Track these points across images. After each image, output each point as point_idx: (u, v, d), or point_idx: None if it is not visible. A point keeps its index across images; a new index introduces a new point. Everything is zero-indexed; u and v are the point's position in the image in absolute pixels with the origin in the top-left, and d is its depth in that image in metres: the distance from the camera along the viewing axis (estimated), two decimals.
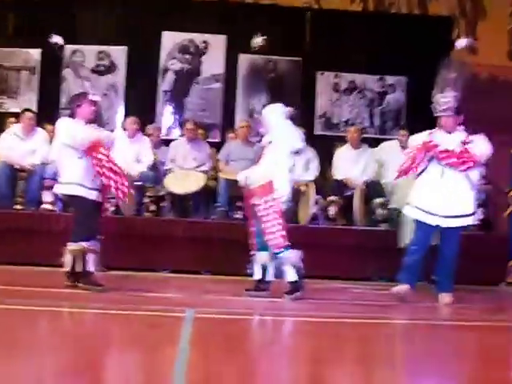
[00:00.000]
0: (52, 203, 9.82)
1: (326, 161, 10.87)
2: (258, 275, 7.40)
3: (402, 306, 7.31)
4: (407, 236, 8.39)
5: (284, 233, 7.17)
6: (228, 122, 12.18)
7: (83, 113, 7.26)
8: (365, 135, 11.53)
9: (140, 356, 4.45)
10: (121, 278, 8.63)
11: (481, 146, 7.40)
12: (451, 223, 7.41)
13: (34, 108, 11.43)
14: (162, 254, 9.46)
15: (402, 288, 7.44)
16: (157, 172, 10.36)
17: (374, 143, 11.16)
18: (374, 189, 10.15)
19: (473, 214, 7.52)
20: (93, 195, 7.17)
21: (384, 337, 5.71)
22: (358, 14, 13.17)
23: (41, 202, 9.78)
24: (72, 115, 7.32)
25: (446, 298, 7.46)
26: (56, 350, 4.48)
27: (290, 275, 7.23)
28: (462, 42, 7.42)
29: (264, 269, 7.38)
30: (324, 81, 12.63)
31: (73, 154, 7.13)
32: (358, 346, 5.27)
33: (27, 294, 6.78)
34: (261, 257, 7.37)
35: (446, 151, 7.35)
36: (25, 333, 5.05)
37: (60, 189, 7.48)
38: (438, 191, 7.37)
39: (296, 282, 7.24)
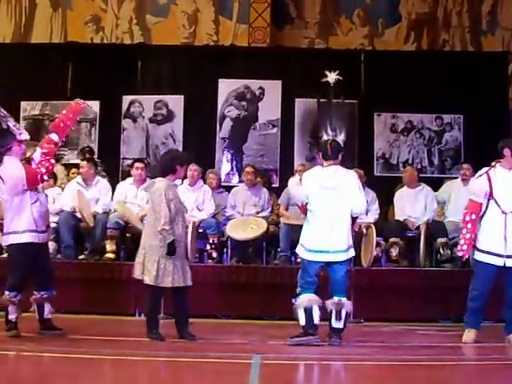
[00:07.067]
0: (115, 252, 9.87)
1: (386, 202, 10.79)
2: (302, 320, 7.16)
3: (469, 348, 7.20)
4: None
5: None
6: (286, 167, 12.17)
7: (15, 154, 7.28)
8: (424, 175, 11.50)
9: None
10: None
11: None
12: None
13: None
14: (225, 300, 9.47)
15: (469, 336, 7.33)
16: (217, 219, 10.37)
17: (433, 182, 11.06)
18: (436, 228, 10.03)
19: None
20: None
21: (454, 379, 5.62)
22: (412, 54, 13.21)
23: (104, 252, 9.83)
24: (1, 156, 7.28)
25: None
26: None
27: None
28: None
29: (309, 312, 7.14)
30: (381, 122, 12.61)
31: None
32: None
33: (94, 344, 6.84)
34: (302, 300, 7.21)
35: None
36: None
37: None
38: (500, 232, 7.26)
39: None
